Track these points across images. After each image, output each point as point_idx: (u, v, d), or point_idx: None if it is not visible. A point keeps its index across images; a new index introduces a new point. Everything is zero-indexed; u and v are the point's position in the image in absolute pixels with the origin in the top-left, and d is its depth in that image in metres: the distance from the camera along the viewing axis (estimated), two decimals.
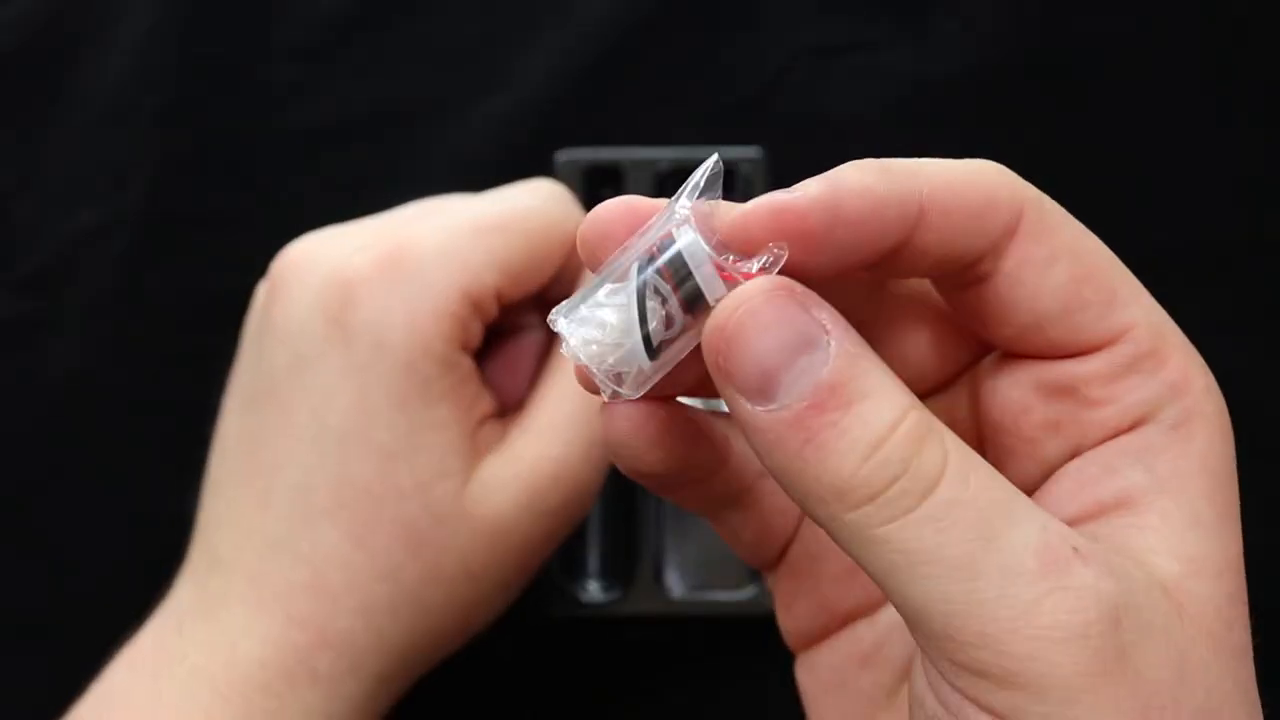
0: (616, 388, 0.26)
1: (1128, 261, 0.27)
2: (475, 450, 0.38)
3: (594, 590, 0.46)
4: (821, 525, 0.25)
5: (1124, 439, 0.27)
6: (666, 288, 0.25)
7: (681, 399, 0.29)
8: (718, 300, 0.25)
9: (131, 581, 0.43)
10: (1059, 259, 0.26)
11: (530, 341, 0.42)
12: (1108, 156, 0.47)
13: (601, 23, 0.49)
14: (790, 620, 0.32)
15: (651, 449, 0.28)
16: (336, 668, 0.37)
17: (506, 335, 0.41)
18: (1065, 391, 0.27)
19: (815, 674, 0.32)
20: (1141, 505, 0.26)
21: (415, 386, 0.37)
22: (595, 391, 0.27)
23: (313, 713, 0.37)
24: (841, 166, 0.25)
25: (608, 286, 0.25)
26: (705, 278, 0.25)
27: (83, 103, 0.50)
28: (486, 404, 0.39)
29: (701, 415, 0.30)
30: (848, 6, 0.49)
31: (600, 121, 0.49)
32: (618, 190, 0.47)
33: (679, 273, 0.25)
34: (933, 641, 0.24)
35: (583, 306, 0.25)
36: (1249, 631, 0.26)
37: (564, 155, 0.47)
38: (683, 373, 0.26)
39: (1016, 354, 0.28)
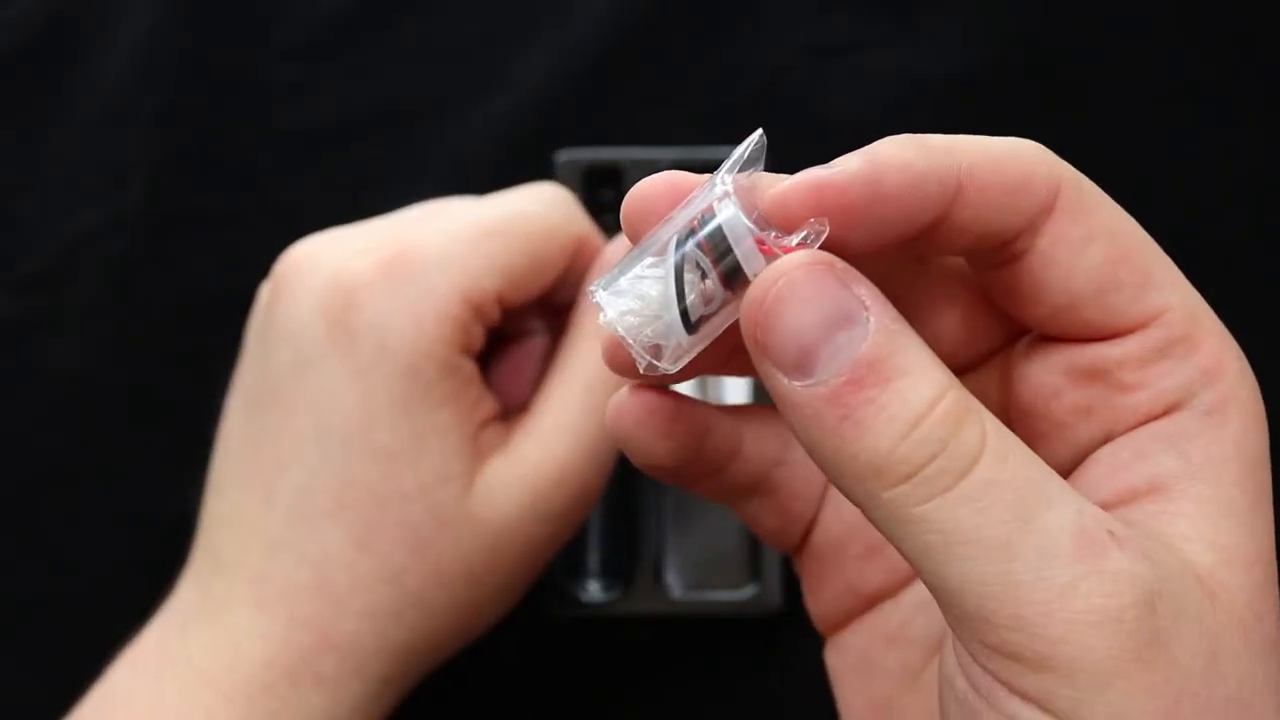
0: (654, 360, 0.25)
1: None
2: (478, 453, 0.38)
3: (594, 590, 0.46)
4: (857, 504, 0.25)
5: (1157, 424, 0.26)
6: (706, 262, 0.25)
7: (687, 393, 0.29)
8: (757, 275, 0.24)
9: (131, 581, 0.43)
10: (1095, 239, 0.26)
11: (534, 345, 0.42)
12: (1108, 156, 0.47)
13: (601, 23, 0.49)
14: (817, 604, 0.32)
15: (658, 440, 0.29)
16: (341, 670, 0.37)
17: (510, 339, 0.41)
18: (1097, 375, 0.27)
19: (843, 656, 0.32)
20: (1175, 491, 0.26)
21: (417, 390, 0.37)
22: (626, 370, 0.27)
23: (316, 714, 0.37)
24: (880, 141, 0.25)
25: (648, 259, 0.25)
26: (745, 252, 0.24)
27: (83, 103, 0.50)
28: (489, 407, 0.39)
29: (709, 407, 0.30)
30: (847, 6, 0.49)
31: (600, 121, 0.49)
32: (618, 190, 0.47)
33: (719, 247, 0.25)
34: (965, 623, 0.24)
35: (622, 279, 0.25)
36: (1278, 625, 0.26)
37: (564, 155, 0.47)
38: (718, 347, 0.26)
39: (1050, 335, 0.28)
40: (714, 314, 0.25)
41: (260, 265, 0.41)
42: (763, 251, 0.24)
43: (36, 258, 0.50)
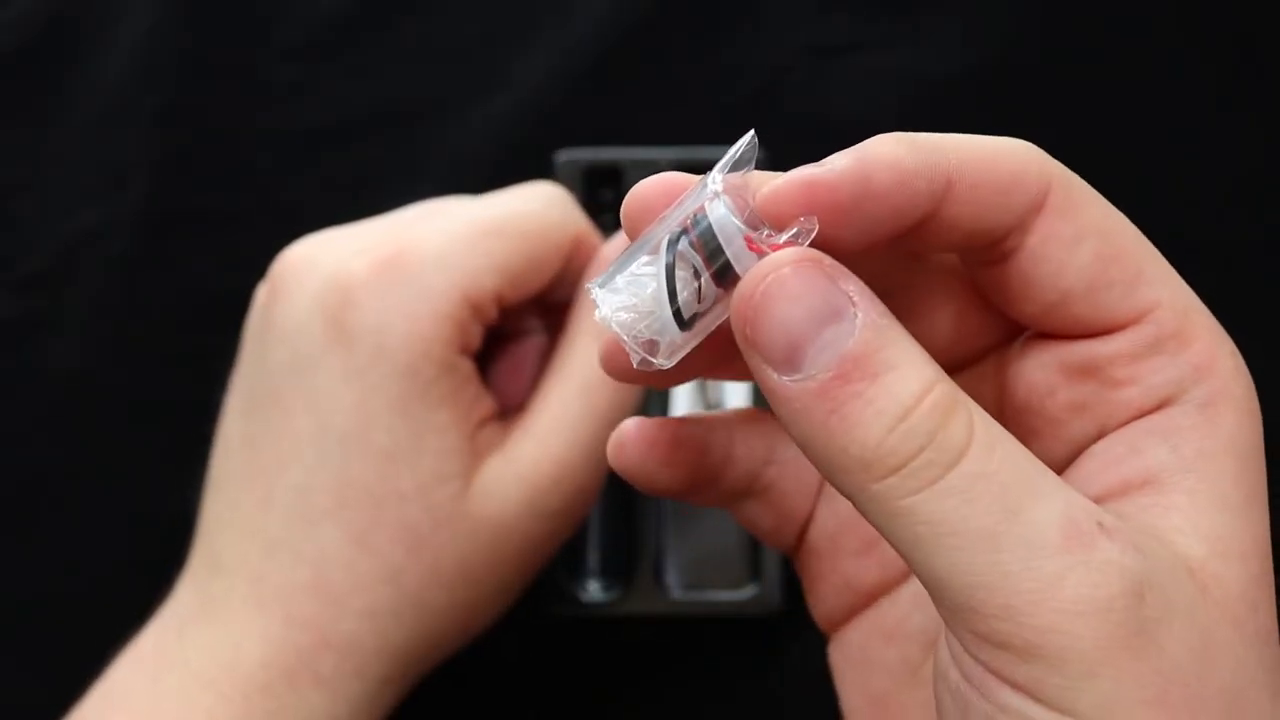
0: (649, 356, 0.26)
1: None
2: (476, 453, 0.38)
3: (594, 590, 0.46)
4: (848, 497, 0.25)
5: (1150, 419, 0.27)
6: (698, 259, 0.25)
7: (685, 394, 0.30)
8: (741, 269, 0.25)
9: (131, 581, 0.43)
10: (1085, 236, 0.26)
11: (532, 345, 0.42)
12: (1108, 156, 0.47)
13: (601, 23, 0.49)
14: (817, 602, 0.33)
15: (662, 470, 0.30)
16: (340, 670, 0.37)
17: (508, 339, 0.41)
18: (1090, 371, 0.27)
19: (844, 652, 0.32)
20: (1168, 485, 0.26)
21: (415, 390, 0.37)
22: (622, 375, 0.27)
23: (315, 714, 0.37)
24: (870, 140, 0.25)
25: (644, 257, 0.26)
26: (735, 251, 0.25)
27: (83, 103, 0.50)
28: (487, 406, 0.39)
29: (704, 421, 0.30)
30: (847, 6, 0.49)
31: (600, 121, 0.49)
32: (618, 190, 0.47)
33: (709, 245, 0.25)
34: (956, 614, 0.24)
35: (618, 276, 0.25)
36: (1275, 617, 0.26)
37: (564, 155, 0.47)
38: (715, 351, 0.27)
39: (1042, 332, 0.28)
40: (707, 311, 0.25)
41: (260, 265, 0.41)
42: (753, 250, 0.25)
43: (36, 258, 0.50)
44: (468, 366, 0.39)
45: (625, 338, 0.25)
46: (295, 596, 0.37)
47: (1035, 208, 0.26)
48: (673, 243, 0.25)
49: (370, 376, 0.37)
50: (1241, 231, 0.47)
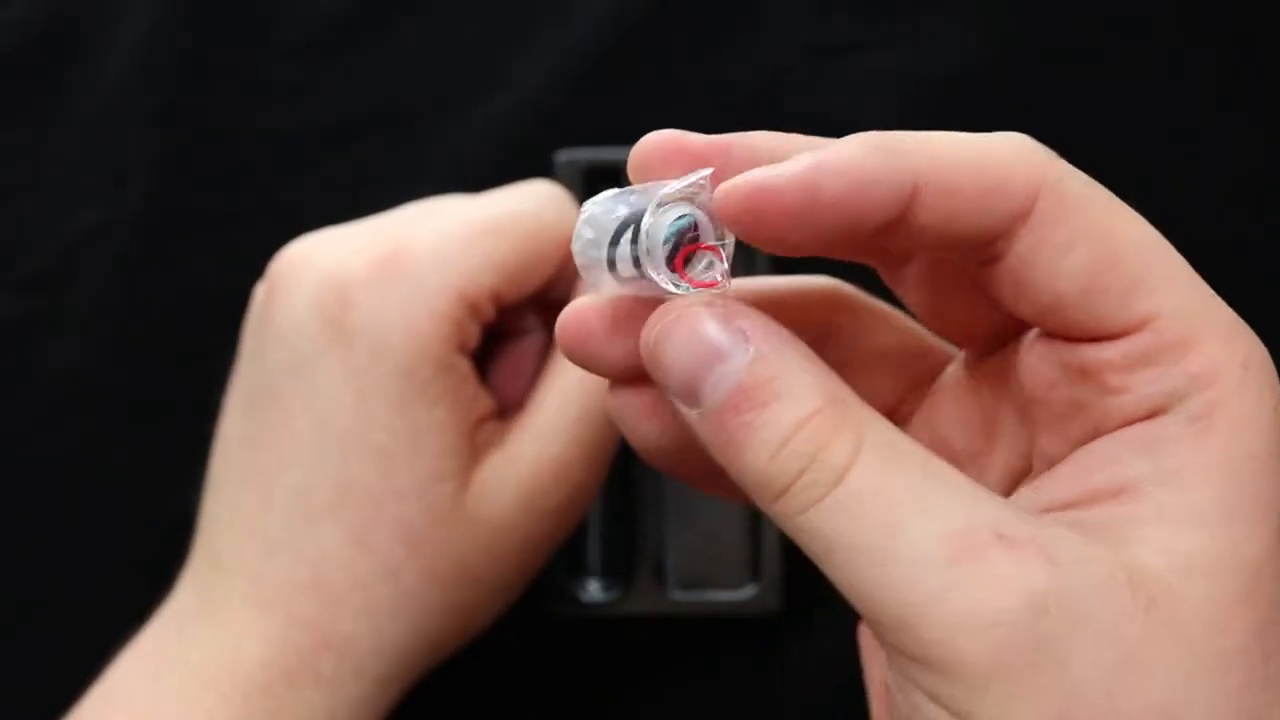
0: (594, 285, 0.28)
1: None
2: (474, 451, 0.38)
3: (594, 590, 0.46)
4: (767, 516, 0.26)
5: (1136, 428, 0.26)
6: (629, 248, 0.27)
7: None
8: (657, 279, 0.26)
9: (131, 581, 0.43)
10: (1078, 242, 0.26)
11: (531, 344, 0.42)
12: (1108, 156, 0.47)
13: (601, 23, 0.49)
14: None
15: (645, 420, 0.30)
16: (339, 670, 0.37)
17: (507, 338, 0.41)
18: (1087, 375, 0.27)
19: (866, 632, 0.34)
20: (1140, 495, 0.25)
21: (413, 389, 0.37)
22: (578, 359, 0.29)
23: (314, 714, 0.37)
24: (836, 142, 0.26)
25: (625, 204, 0.27)
26: (655, 263, 0.26)
27: (83, 103, 0.50)
28: (485, 405, 0.39)
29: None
30: (847, 6, 0.49)
31: (600, 121, 0.49)
32: None
33: (639, 244, 0.27)
34: (868, 623, 0.25)
35: (595, 205, 0.27)
36: (1266, 639, 0.25)
37: (564, 155, 0.47)
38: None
39: (1044, 331, 0.28)
40: (631, 280, 0.27)
41: (260, 265, 0.41)
42: (677, 263, 0.26)
43: (36, 258, 0.50)
44: (465, 365, 0.39)
45: (576, 256, 0.27)
46: (295, 596, 0.37)
47: (1021, 214, 0.26)
48: (629, 219, 0.27)
49: (368, 375, 0.37)
50: (1241, 231, 0.47)
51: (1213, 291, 0.27)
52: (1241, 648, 0.25)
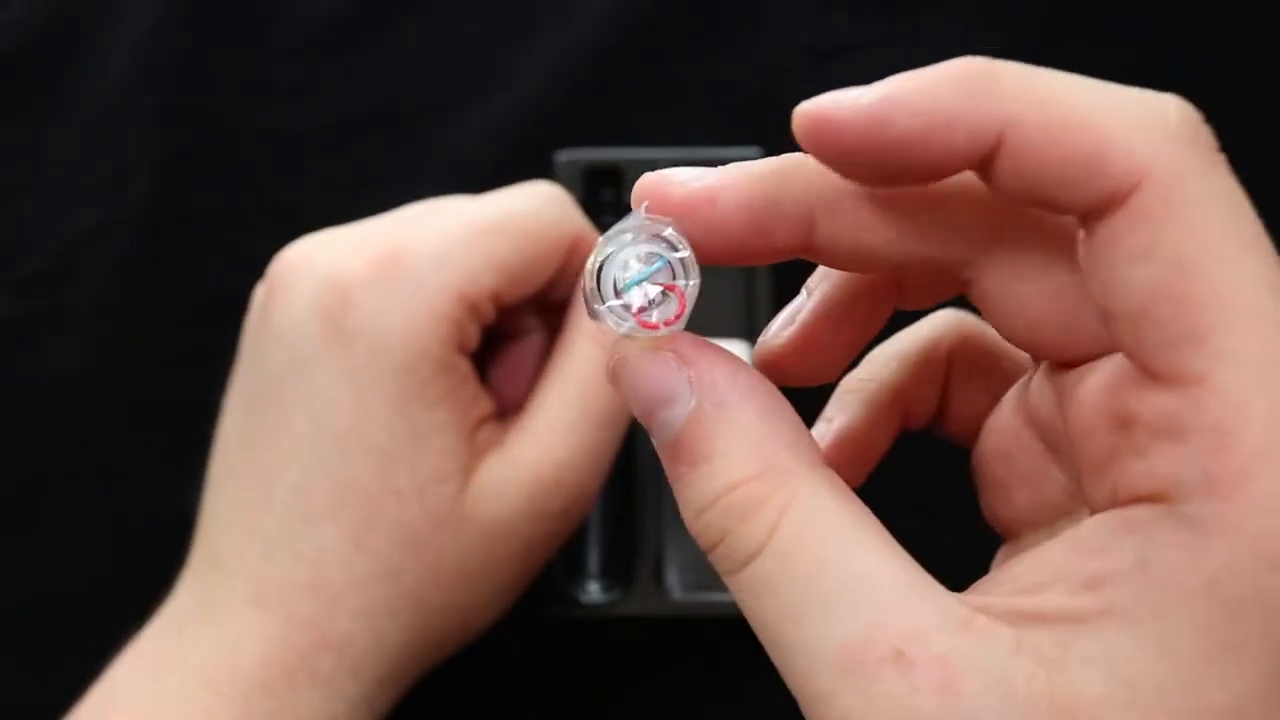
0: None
1: None
2: (474, 452, 0.38)
3: (594, 590, 0.46)
4: None
5: (1140, 512, 0.22)
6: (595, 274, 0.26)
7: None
8: (604, 317, 0.26)
9: (131, 581, 0.43)
10: (1152, 259, 0.21)
11: (530, 344, 0.42)
12: None
13: (601, 23, 0.49)
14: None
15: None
16: (338, 670, 0.37)
17: (506, 338, 0.41)
18: (1124, 424, 0.23)
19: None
20: (1106, 599, 0.22)
21: (413, 389, 0.37)
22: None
23: (314, 713, 0.37)
24: (918, 74, 0.23)
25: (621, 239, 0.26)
26: (597, 296, 0.26)
27: (83, 103, 0.50)
28: (485, 406, 0.39)
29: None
30: (847, 6, 0.49)
31: (600, 121, 0.49)
32: (618, 191, 0.47)
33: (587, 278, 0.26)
34: None
35: (615, 227, 0.26)
36: None
37: (564, 155, 0.47)
38: None
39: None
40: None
41: (260, 265, 0.41)
42: (637, 317, 0.25)
43: (36, 258, 0.50)
44: (465, 366, 0.39)
45: (585, 277, 0.26)
46: (295, 596, 0.37)
47: (1115, 199, 0.22)
48: (606, 239, 0.26)
49: (368, 376, 0.37)
50: None
51: None
52: None
